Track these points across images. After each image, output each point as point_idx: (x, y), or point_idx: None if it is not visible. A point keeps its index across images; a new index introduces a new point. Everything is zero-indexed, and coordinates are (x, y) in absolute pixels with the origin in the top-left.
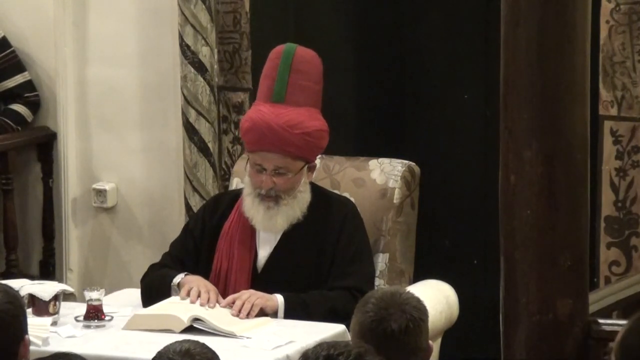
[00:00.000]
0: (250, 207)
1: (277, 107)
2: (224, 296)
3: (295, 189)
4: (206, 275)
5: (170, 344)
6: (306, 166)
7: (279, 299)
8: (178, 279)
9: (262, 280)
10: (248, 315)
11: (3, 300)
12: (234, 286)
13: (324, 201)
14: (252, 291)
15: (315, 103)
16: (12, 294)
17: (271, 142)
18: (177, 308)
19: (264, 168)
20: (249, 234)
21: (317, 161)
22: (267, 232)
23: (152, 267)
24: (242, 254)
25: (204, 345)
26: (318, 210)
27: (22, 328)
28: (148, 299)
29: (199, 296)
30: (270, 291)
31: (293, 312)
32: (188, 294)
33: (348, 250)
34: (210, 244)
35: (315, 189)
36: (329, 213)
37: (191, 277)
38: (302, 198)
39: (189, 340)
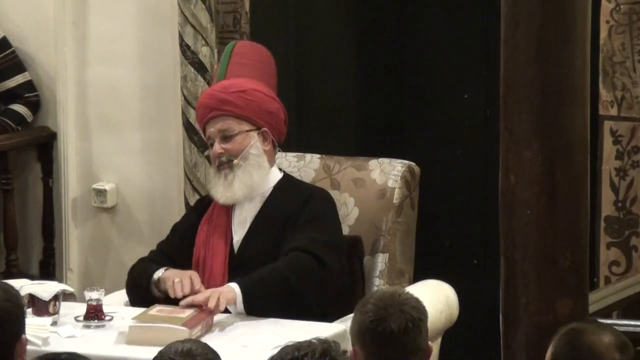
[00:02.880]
0: (214, 186)
1: (218, 82)
2: (203, 284)
3: (245, 150)
4: (188, 268)
5: (172, 344)
6: (256, 131)
7: (235, 287)
8: (158, 274)
9: (238, 264)
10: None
11: (1, 298)
12: (210, 270)
13: (295, 186)
14: (210, 290)
15: (259, 76)
16: (12, 293)
17: (212, 107)
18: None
19: (213, 138)
20: (224, 221)
21: (318, 161)
22: (240, 210)
23: (141, 261)
24: (217, 240)
25: (205, 346)
26: (288, 194)
27: (20, 327)
28: (131, 292)
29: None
30: (245, 274)
31: (251, 293)
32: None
33: (304, 221)
34: (191, 240)
35: (287, 176)
36: (297, 196)
37: (170, 272)
38: (257, 162)
39: (190, 341)
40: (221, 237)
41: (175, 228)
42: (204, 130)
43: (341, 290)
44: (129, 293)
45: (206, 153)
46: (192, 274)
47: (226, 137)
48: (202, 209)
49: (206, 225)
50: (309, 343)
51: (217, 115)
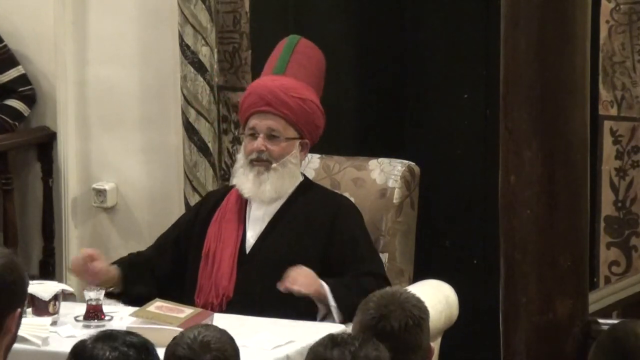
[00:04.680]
0: (241, 176)
1: (276, 76)
2: (211, 276)
3: (285, 157)
4: (197, 262)
5: (192, 328)
6: (299, 141)
7: (324, 286)
8: None
9: (248, 261)
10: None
11: (3, 267)
12: (219, 263)
13: (318, 192)
14: (302, 275)
15: (314, 84)
16: (17, 264)
17: (267, 101)
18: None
19: (258, 132)
20: (238, 216)
21: (318, 161)
22: (257, 207)
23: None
24: (229, 233)
25: (224, 339)
26: (308, 197)
27: (17, 300)
28: None
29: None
30: (255, 272)
31: (339, 296)
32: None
33: (351, 241)
34: (201, 233)
35: (309, 181)
36: (321, 203)
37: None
38: (292, 171)
39: (211, 328)
40: (233, 232)
41: (179, 220)
42: (247, 118)
43: None
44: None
45: (242, 145)
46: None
47: (272, 137)
48: (213, 204)
49: (218, 219)
50: (348, 334)
51: (269, 111)
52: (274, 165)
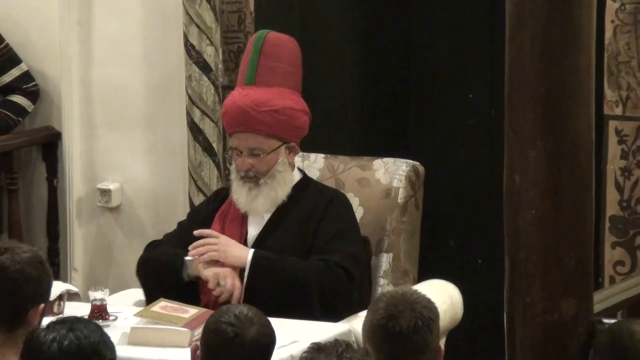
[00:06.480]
0: (235, 190)
1: (246, 88)
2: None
3: (273, 168)
4: None
5: (233, 306)
6: (284, 146)
7: (249, 255)
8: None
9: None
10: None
11: (27, 262)
12: (222, 263)
13: (314, 188)
14: (222, 242)
15: (289, 84)
16: (41, 259)
17: (241, 122)
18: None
19: (240, 150)
20: (240, 215)
21: (322, 160)
22: (253, 215)
23: (158, 245)
24: (232, 233)
25: (265, 318)
26: (306, 194)
27: (41, 295)
28: (152, 275)
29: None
30: None
31: (260, 266)
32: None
33: (331, 229)
34: (206, 228)
35: (306, 178)
36: (317, 197)
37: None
38: (282, 178)
39: (253, 308)
40: (236, 231)
41: (194, 213)
42: (229, 135)
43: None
44: (147, 276)
45: (229, 158)
46: (230, 273)
47: (254, 154)
48: (220, 201)
49: (221, 218)
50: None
51: (245, 130)
52: (261, 180)
